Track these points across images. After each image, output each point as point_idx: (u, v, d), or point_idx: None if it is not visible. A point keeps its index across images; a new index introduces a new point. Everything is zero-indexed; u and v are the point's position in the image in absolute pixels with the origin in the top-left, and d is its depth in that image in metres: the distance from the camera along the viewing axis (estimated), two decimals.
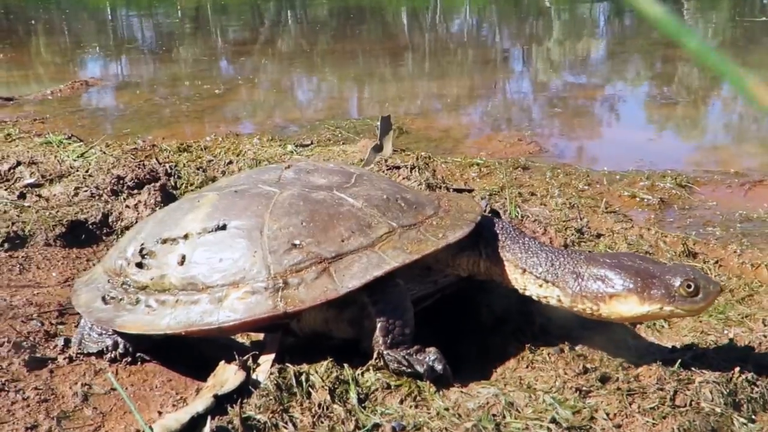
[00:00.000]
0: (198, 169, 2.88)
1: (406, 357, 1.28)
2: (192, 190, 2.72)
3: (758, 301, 1.75)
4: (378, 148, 2.34)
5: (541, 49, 7.12)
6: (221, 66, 6.51)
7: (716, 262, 2.09)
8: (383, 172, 2.39)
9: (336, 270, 1.32)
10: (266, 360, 1.31)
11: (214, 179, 2.80)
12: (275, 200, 1.43)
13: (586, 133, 3.75)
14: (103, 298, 1.47)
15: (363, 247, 1.36)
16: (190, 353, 1.53)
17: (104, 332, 1.47)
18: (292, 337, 1.45)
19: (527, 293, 1.46)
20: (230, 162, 2.96)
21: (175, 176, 2.78)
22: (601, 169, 2.96)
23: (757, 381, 1.29)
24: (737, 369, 1.31)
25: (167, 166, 2.87)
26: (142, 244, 1.47)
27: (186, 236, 1.42)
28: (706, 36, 7.29)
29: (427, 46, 7.64)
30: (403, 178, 2.39)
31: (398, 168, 2.45)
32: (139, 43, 8.54)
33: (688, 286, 1.25)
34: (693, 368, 1.33)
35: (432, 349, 1.30)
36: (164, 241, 1.45)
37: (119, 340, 1.45)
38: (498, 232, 1.50)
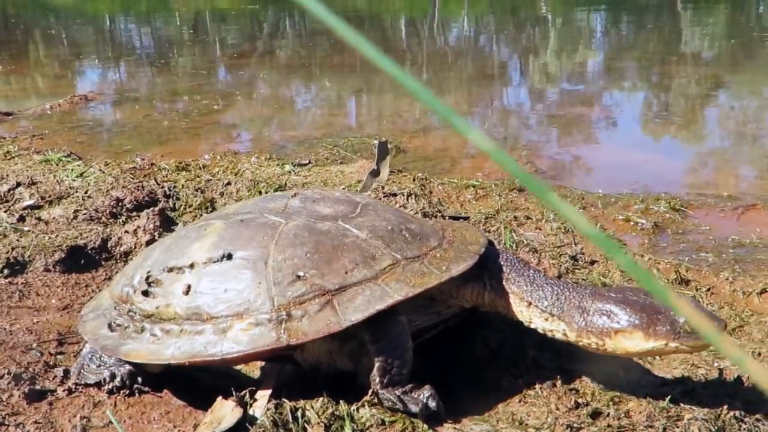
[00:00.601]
0: (197, 190, 2.90)
1: (401, 397, 1.30)
2: (191, 212, 2.74)
3: (748, 332, 1.78)
4: (375, 173, 2.37)
5: (537, 62, 7.17)
6: (219, 79, 6.54)
7: (708, 289, 2.12)
8: (380, 199, 2.41)
9: (339, 303, 1.34)
10: (263, 395, 1.33)
11: (212, 201, 2.83)
12: (280, 231, 1.44)
13: (582, 153, 3.78)
14: (110, 326, 1.48)
15: (366, 279, 1.37)
16: (188, 384, 1.55)
17: (103, 363, 1.49)
18: (295, 366, 1.47)
19: (532, 326, 1.47)
20: (228, 183, 2.98)
21: (174, 198, 2.80)
22: (596, 192, 2.99)
23: (745, 418, 1.32)
24: (725, 406, 1.33)
25: (166, 187, 2.90)
26: (149, 272, 1.48)
27: (192, 265, 1.44)
28: (702, 47, 7.35)
29: (425, 58, 7.68)
30: (400, 206, 2.42)
31: (395, 195, 2.47)
32: (137, 54, 8.58)
33: None
34: (682, 404, 1.36)
35: (427, 387, 1.32)
36: (170, 270, 1.46)
37: (117, 371, 1.47)
38: (503, 263, 1.52)
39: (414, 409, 1.28)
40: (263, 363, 1.56)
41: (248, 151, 3.82)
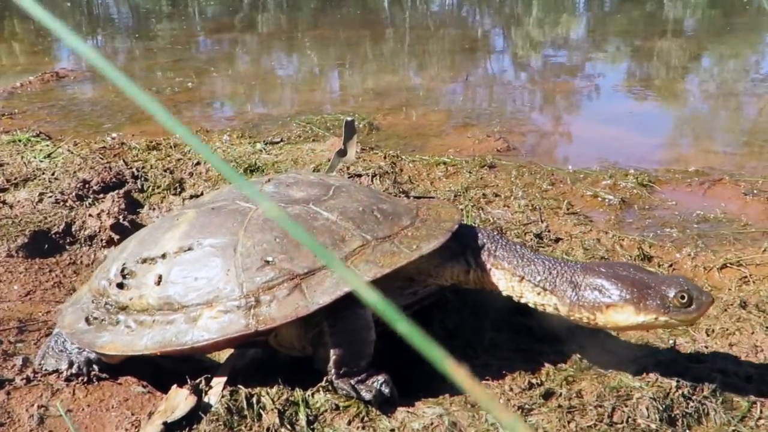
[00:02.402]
0: (165, 170, 2.88)
1: (355, 386, 1.31)
2: (159, 193, 2.73)
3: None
4: (342, 153, 2.35)
5: (518, 33, 7.13)
6: (196, 54, 6.45)
7: (670, 265, 2.14)
8: (349, 178, 2.41)
9: (308, 286, 1.34)
10: (218, 382, 1.34)
11: (181, 181, 2.81)
12: (250, 217, 1.44)
13: (555, 129, 3.79)
14: (87, 319, 1.48)
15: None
16: (148, 369, 1.56)
17: (64, 350, 1.49)
18: (272, 350, 1.47)
19: (523, 300, 1.48)
20: (198, 162, 2.96)
21: (142, 179, 2.79)
22: (566, 168, 3.00)
23: (693, 396, 1.35)
24: (674, 384, 1.36)
25: (134, 168, 2.88)
26: (124, 264, 1.48)
27: (164, 255, 1.44)
28: (684, 17, 7.34)
29: (407, 31, 7.61)
30: (368, 185, 2.42)
31: (360, 176, 2.47)
32: (114, 26, 8.44)
33: (682, 297, 1.29)
34: (633, 383, 1.38)
35: (382, 374, 1.33)
36: (144, 261, 1.46)
37: (75, 359, 1.47)
38: (486, 241, 1.52)
39: (367, 396, 1.30)
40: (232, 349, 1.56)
41: (221, 129, 3.78)
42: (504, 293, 1.50)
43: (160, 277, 1.41)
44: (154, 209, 2.34)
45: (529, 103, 4.44)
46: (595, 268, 1.41)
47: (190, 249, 1.41)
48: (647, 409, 1.29)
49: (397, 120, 3.97)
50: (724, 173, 2.90)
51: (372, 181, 2.48)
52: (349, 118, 2.39)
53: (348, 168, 2.52)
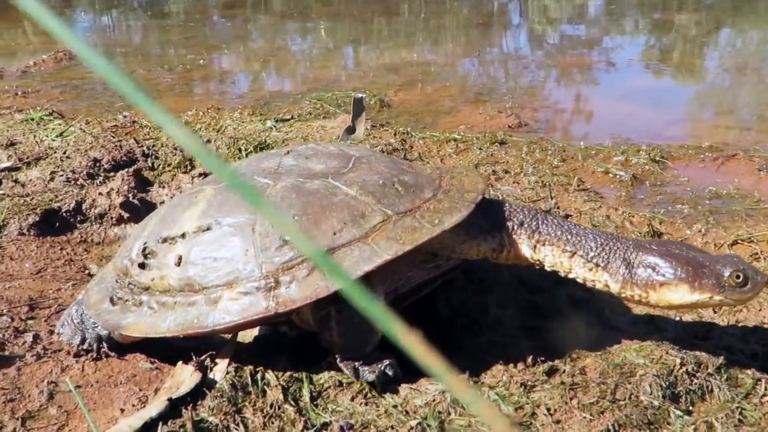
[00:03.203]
0: (176, 148, 2.89)
1: (358, 368, 1.30)
2: (169, 170, 2.74)
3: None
4: (351, 130, 2.35)
5: (534, 7, 7.04)
6: (208, 31, 6.44)
7: (681, 242, 2.12)
8: None
9: None
10: (224, 359, 1.35)
11: (191, 159, 2.82)
12: (268, 194, 1.40)
13: (567, 105, 3.75)
14: (111, 299, 1.47)
15: (356, 239, 1.33)
16: (157, 346, 1.58)
17: (81, 323, 1.51)
18: (295, 328, 1.47)
19: (571, 275, 1.44)
20: (208, 140, 2.97)
21: (153, 157, 2.80)
22: (577, 144, 2.97)
23: (697, 373, 1.34)
24: (678, 361, 1.36)
25: (145, 146, 2.89)
26: (145, 243, 1.46)
27: (183, 235, 1.41)
28: None
29: (422, 5, 7.54)
30: None
31: None
32: (127, 3, 8.43)
33: (737, 277, 1.28)
34: (637, 360, 1.38)
35: (387, 358, 1.31)
36: (164, 240, 1.44)
37: (88, 335, 1.49)
38: (525, 218, 1.45)
39: (370, 378, 1.29)
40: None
41: (232, 106, 3.78)
42: (548, 268, 1.45)
43: (180, 258, 1.38)
44: (163, 187, 2.35)
45: (542, 78, 4.39)
46: (647, 246, 1.38)
47: (208, 228, 1.39)
48: (650, 386, 1.29)
49: (408, 96, 3.94)
50: (738, 149, 2.86)
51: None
52: (358, 96, 2.39)
53: (356, 145, 2.51)
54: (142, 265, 1.44)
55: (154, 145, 2.93)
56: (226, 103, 3.98)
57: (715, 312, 1.64)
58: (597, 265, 1.39)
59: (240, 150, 2.89)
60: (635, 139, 3.05)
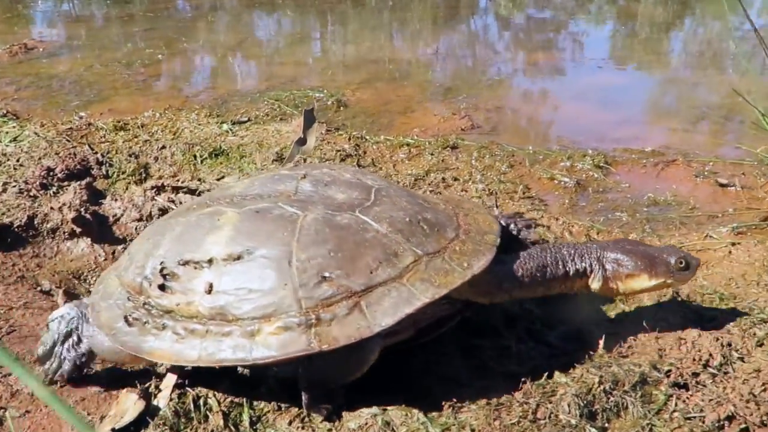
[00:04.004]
0: (131, 155, 2.91)
1: (310, 404, 1.36)
2: (124, 178, 2.76)
3: (639, 298, 1.88)
4: (301, 142, 2.40)
5: (493, 4, 7.09)
6: (168, 23, 6.38)
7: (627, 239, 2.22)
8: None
9: (367, 305, 1.32)
10: (167, 385, 1.41)
11: (146, 166, 2.85)
12: (300, 226, 1.39)
13: (520, 106, 3.83)
14: (126, 319, 1.43)
15: (391, 278, 1.35)
16: (106, 369, 1.63)
17: (68, 345, 1.53)
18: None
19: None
20: (163, 146, 3.00)
21: (107, 165, 2.82)
22: (526, 148, 3.06)
23: (614, 390, 1.44)
24: (597, 379, 1.45)
25: (100, 153, 2.91)
26: (162, 263, 1.43)
27: (210, 261, 1.39)
28: None
29: None
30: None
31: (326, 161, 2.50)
32: None
33: (681, 262, 1.60)
34: (560, 379, 1.47)
35: (339, 398, 1.38)
36: (185, 263, 1.41)
37: (67, 355, 1.52)
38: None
39: (318, 414, 1.36)
40: None
41: (189, 107, 3.79)
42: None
43: (211, 286, 1.37)
44: (116, 200, 2.38)
45: (500, 76, 4.46)
46: (609, 245, 1.66)
47: (240, 258, 1.37)
48: (569, 405, 1.38)
49: (365, 95, 3.99)
50: (679, 153, 2.97)
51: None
52: (308, 107, 2.43)
53: (305, 160, 2.56)
54: (162, 287, 1.41)
55: (108, 152, 2.95)
56: (184, 102, 3.98)
57: (635, 326, 1.74)
58: (584, 272, 1.64)
59: (195, 157, 2.92)
60: (583, 142, 3.15)
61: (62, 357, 1.53)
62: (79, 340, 1.53)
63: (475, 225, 1.57)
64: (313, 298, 1.32)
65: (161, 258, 1.44)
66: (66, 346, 1.53)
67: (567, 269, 1.62)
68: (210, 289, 1.36)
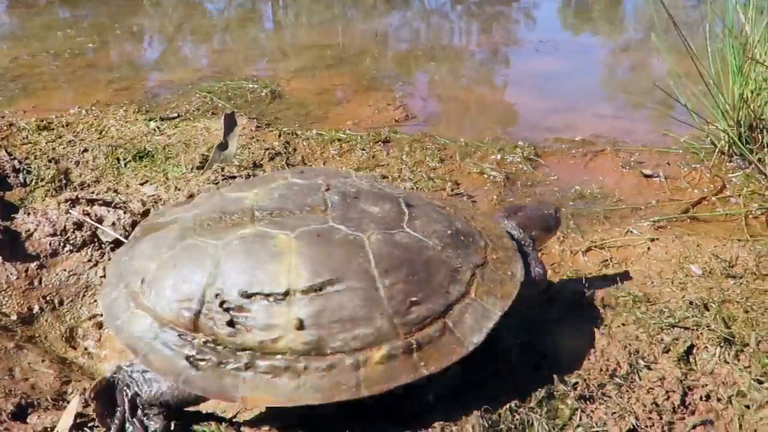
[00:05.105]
0: (50, 160, 2.81)
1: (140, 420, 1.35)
2: (43, 186, 2.66)
3: (557, 305, 1.89)
4: (223, 147, 2.34)
5: None
6: (101, 9, 6.16)
7: (539, 250, 2.23)
8: (220, 182, 2.38)
9: (453, 324, 1.35)
10: (69, 412, 1.37)
11: (66, 172, 2.75)
12: (369, 249, 1.36)
13: (457, 95, 3.81)
14: (189, 361, 1.31)
15: (462, 295, 1.39)
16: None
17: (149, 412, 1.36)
18: None
19: None
20: (85, 150, 2.90)
21: (24, 172, 2.72)
22: (459, 140, 3.04)
23: (520, 408, 1.44)
24: (502, 398, 1.45)
25: (17, 159, 2.80)
26: (218, 296, 1.31)
27: (286, 293, 1.31)
28: None
29: None
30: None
31: (233, 178, 2.44)
32: None
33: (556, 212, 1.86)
34: (467, 398, 1.47)
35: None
36: (251, 296, 1.31)
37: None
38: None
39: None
40: None
41: (118, 101, 3.68)
42: None
43: (301, 322, 1.29)
44: (29, 214, 2.29)
45: (436, 66, 4.42)
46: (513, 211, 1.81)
47: (321, 288, 1.31)
48: (473, 427, 1.39)
49: (301, 85, 3.92)
50: (608, 142, 3.00)
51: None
52: (228, 111, 2.37)
53: (223, 169, 2.48)
54: (230, 323, 1.30)
55: (27, 157, 2.84)
56: (113, 96, 3.85)
57: (547, 336, 1.75)
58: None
59: (119, 160, 2.83)
60: (515, 133, 3.15)
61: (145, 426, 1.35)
62: (150, 402, 1.36)
63: (487, 230, 1.59)
64: (407, 324, 1.33)
65: (217, 291, 1.32)
66: (138, 416, 1.36)
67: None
68: (301, 326, 1.29)
